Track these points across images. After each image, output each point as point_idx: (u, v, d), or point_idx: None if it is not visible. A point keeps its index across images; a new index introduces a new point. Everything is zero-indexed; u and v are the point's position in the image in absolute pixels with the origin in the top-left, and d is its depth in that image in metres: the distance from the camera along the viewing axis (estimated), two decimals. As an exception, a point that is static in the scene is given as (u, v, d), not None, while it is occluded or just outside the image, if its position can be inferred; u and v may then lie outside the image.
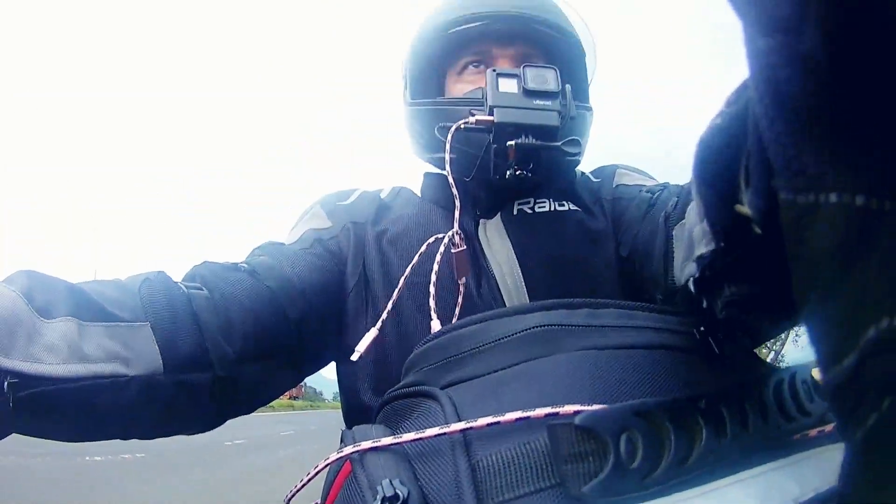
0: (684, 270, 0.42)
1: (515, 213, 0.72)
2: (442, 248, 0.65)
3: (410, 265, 0.65)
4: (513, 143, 0.64)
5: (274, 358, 0.61)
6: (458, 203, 0.65)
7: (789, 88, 0.17)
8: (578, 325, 0.43)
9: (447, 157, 0.65)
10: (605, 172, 0.80)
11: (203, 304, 0.56)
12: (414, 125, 0.79)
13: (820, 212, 0.17)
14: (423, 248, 0.66)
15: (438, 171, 0.80)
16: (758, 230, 0.26)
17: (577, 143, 0.67)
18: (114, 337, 0.47)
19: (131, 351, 0.48)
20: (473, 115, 0.66)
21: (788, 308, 0.24)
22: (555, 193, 0.74)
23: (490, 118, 0.64)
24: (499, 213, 0.72)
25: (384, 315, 0.64)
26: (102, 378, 0.45)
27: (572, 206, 0.73)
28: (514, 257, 0.69)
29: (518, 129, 0.64)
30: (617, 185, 0.77)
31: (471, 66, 0.78)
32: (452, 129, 0.66)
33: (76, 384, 0.44)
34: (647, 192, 0.71)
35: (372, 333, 0.62)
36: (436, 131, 0.71)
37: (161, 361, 0.49)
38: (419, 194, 0.81)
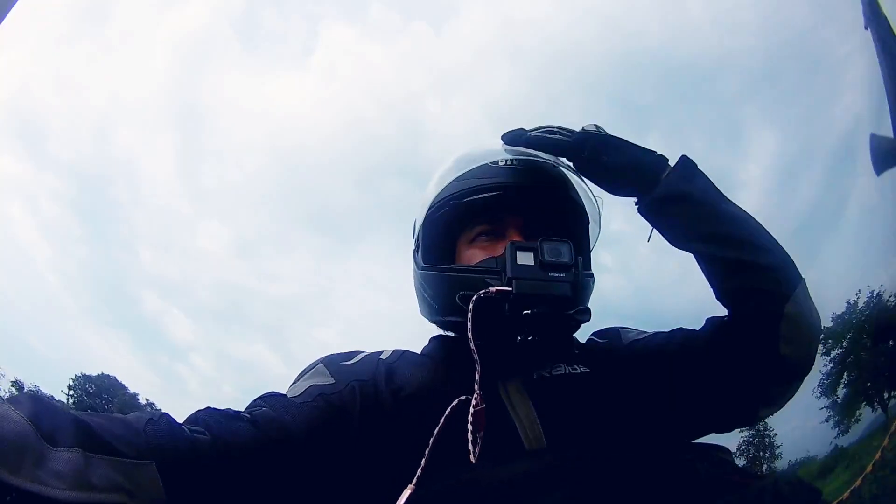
0: None
1: (535, 377, 0.77)
2: (472, 409, 0.68)
3: (438, 427, 0.68)
4: (528, 311, 0.69)
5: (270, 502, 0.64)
6: (478, 367, 0.69)
7: None
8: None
9: (469, 324, 0.70)
10: (609, 334, 0.90)
11: (206, 450, 0.58)
12: (427, 289, 0.84)
13: None
14: (448, 411, 0.69)
15: (446, 333, 0.86)
16: None
17: (587, 312, 0.75)
18: (119, 470, 0.50)
19: (135, 485, 0.51)
20: (490, 284, 0.72)
21: None
22: (567, 358, 0.80)
23: (508, 289, 0.71)
24: (518, 377, 0.77)
25: (419, 472, 0.66)
26: None
27: (584, 369, 0.79)
28: (536, 416, 0.73)
29: (534, 300, 0.70)
30: (630, 342, 0.86)
31: (483, 235, 0.84)
32: (474, 297, 0.71)
33: None
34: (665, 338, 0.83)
35: (409, 490, 0.65)
36: (457, 299, 0.76)
37: (165, 497, 0.53)
38: (419, 354, 0.86)
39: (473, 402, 0.68)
